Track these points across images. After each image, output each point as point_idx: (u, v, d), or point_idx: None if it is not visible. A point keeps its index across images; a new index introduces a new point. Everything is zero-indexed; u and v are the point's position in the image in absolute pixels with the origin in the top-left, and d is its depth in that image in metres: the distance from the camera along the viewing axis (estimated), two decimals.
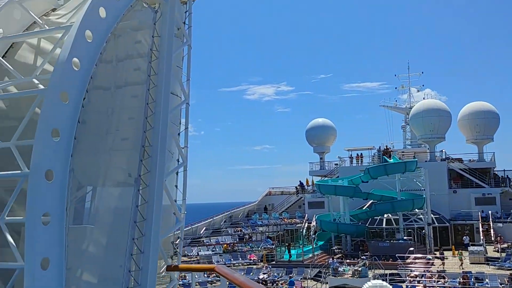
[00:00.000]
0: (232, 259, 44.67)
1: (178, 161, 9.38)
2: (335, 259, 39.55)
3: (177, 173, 9.27)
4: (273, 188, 67.73)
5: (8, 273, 6.90)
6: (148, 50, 8.72)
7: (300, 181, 63.51)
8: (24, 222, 6.91)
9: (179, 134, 9.43)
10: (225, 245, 48.50)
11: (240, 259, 45.21)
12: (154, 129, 8.50)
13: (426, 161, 53.89)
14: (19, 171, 6.51)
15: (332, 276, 35.59)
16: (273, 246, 46.74)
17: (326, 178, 56.94)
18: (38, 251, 6.08)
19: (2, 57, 7.91)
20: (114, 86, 8.87)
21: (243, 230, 53.91)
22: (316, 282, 36.82)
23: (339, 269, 36.09)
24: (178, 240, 9.13)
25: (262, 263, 43.40)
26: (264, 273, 39.01)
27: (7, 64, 7.60)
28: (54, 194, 6.43)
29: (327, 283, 35.45)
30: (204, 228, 53.98)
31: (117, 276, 7.48)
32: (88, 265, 7.27)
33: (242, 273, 33.89)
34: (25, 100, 7.93)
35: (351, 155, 57.89)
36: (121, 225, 7.84)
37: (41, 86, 7.04)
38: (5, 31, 8.12)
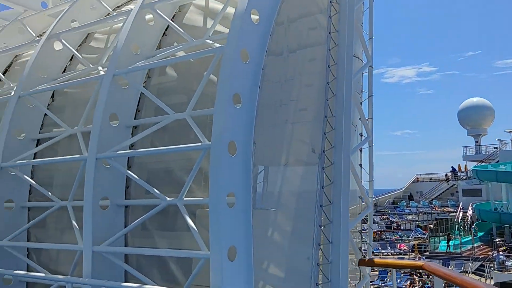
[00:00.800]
0: (380, 248, 42.33)
1: (361, 135, 7.94)
2: (500, 252, 35.19)
3: (360, 150, 7.82)
4: (420, 174, 63.19)
5: (187, 260, 6.11)
6: (327, 3, 7.35)
7: (452, 167, 58.20)
8: (202, 204, 6.06)
9: (361, 103, 7.95)
10: (373, 233, 46.31)
11: (389, 248, 42.70)
12: (337, 96, 7.15)
13: None
14: (199, 144, 5.59)
15: (498, 271, 31.66)
16: (425, 236, 43.38)
17: (483, 164, 51.27)
18: (224, 238, 5.08)
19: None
20: (286, 50, 7.65)
21: (390, 218, 51.03)
22: (478, 277, 33.01)
23: (506, 263, 31.98)
24: (367, 229, 7.70)
25: (413, 254, 40.50)
26: None
27: (178, 27, 6.80)
28: (238, 171, 5.40)
29: (491, 278, 31.60)
30: None
31: (304, 270, 6.31)
32: (274, 256, 6.18)
33: None
34: (194, 69, 7.12)
35: None
36: (305, 209, 6.64)
37: (217, 45, 6.09)
38: None
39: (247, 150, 5.53)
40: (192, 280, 5.42)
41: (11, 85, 8.54)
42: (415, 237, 45.91)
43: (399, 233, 47.74)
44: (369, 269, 7.31)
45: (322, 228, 6.54)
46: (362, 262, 6.81)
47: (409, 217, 52.02)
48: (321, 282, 6.36)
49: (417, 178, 62.58)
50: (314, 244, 6.42)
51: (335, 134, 7.00)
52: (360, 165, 7.74)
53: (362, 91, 8.07)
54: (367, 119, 7.82)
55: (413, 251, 41.38)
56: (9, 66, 9.62)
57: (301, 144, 7.05)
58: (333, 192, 6.75)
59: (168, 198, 5.90)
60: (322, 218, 6.60)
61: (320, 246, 6.47)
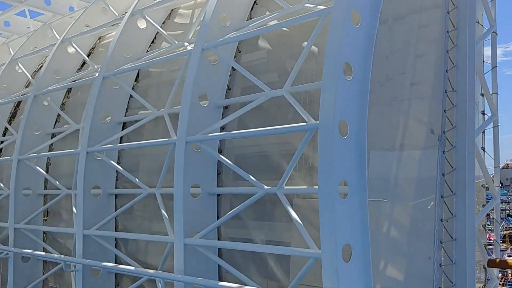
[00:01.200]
0: None
1: (483, 114, 6.80)
2: None
3: (483, 132, 6.69)
4: (510, 160, 58.62)
5: (285, 258, 5.39)
6: None
7: None
8: (303, 194, 5.30)
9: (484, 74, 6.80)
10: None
11: None
12: (458, 67, 6.08)
13: None
14: (303, 124, 4.80)
15: None
16: None
17: None
18: (338, 235, 4.27)
19: None
20: (392, 17, 6.63)
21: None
22: None
23: None
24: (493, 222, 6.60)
25: (504, 244, 37.62)
26: (509, 256, 33.59)
27: None
28: (351, 155, 4.56)
29: None
30: None
31: (425, 272, 5.38)
32: (391, 255, 5.30)
33: None
34: (289, 42, 6.33)
35: None
36: (424, 201, 5.69)
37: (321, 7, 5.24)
38: None
39: (361, 131, 4.67)
40: (298, 282, 4.68)
41: (95, 67, 8.20)
42: (505, 227, 42.72)
43: (488, 223, 44.69)
44: (497, 271, 6.23)
45: (444, 223, 5.56)
46: (492, 263, 5.77)
47: None
48: (444, 286, 5.41)
49: (507, 164, 58.03)
50: (435, 242, 5.47)
51: (457, 112, 5.96)
52: (483, 148, 6.62)
53: (483, 61, 6.90)
54: (491, 94, 6.68)
55: (503, 242, 38.47)
56: (93, 48, 9.35)
57: (418, 124, 6.05)
58: (455, 181, 5.74)
59: (265, 186, 5.18)
60: (444, 211, 5.62)
61: (442, 244, 5.50)
